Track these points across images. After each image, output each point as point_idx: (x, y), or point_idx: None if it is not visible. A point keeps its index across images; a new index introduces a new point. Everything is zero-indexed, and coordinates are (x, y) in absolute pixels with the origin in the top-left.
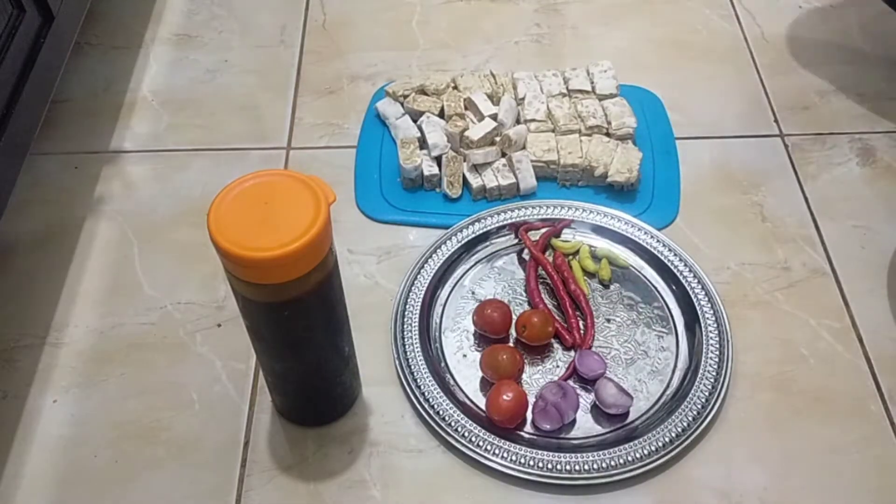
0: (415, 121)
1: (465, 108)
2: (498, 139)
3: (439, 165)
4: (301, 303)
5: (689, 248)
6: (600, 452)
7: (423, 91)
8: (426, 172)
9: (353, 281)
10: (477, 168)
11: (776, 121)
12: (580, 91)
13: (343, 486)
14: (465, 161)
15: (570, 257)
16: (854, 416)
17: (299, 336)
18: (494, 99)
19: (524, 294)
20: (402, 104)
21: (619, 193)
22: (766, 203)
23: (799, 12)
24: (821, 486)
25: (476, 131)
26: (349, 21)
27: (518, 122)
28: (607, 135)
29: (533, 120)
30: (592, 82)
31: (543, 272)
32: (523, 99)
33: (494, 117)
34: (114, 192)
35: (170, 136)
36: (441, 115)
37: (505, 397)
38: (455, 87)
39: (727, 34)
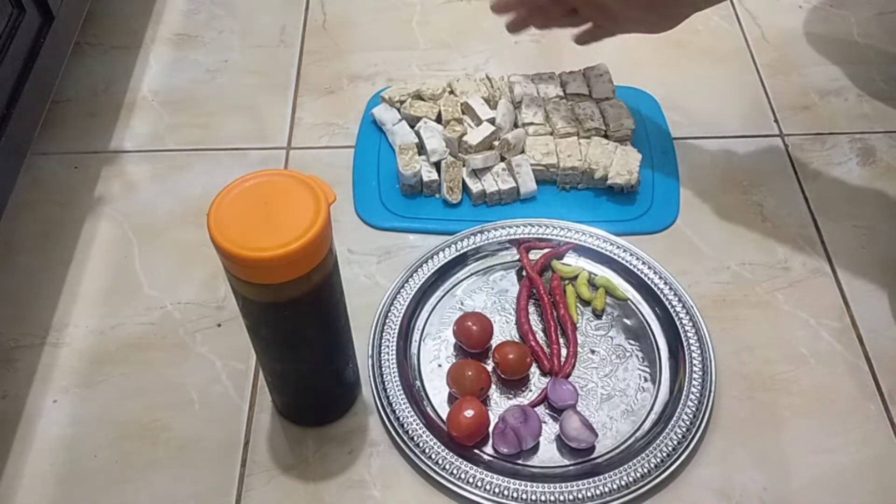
0: (412, 126)
1: (463, 113)
2: (496, 143)
3: (438, 171)
4: (301, 303)
5: (689, 248)
6: (560, 484)
7: (419, 96)
8: (425, 178)
9: (353, 281)
10: (476, 173)
11: (776, 121)
12: (577, 95)
13: (343, 486)
14: (464, 166)
15: (568, 282)
16: (854, 416)
17: (299, 336)
18: (491, 103)
19: (513, 312)
20: (398, 110)
21: (620, 195)
22: (766, 203)
23: (799, 12)
24: (821, 486)
25: (474, 136)
26: (349, 21)
27: (516, 125)
28: (606, 137)
29: (531, 123)
30: (589, 86)
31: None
32: (520, 102)
33: (492, 121)
34: (114, 192)
35: (170, 136)
36: (438, 119)
37: (465, 414)
38: (451, 92)
39: (727, 34)
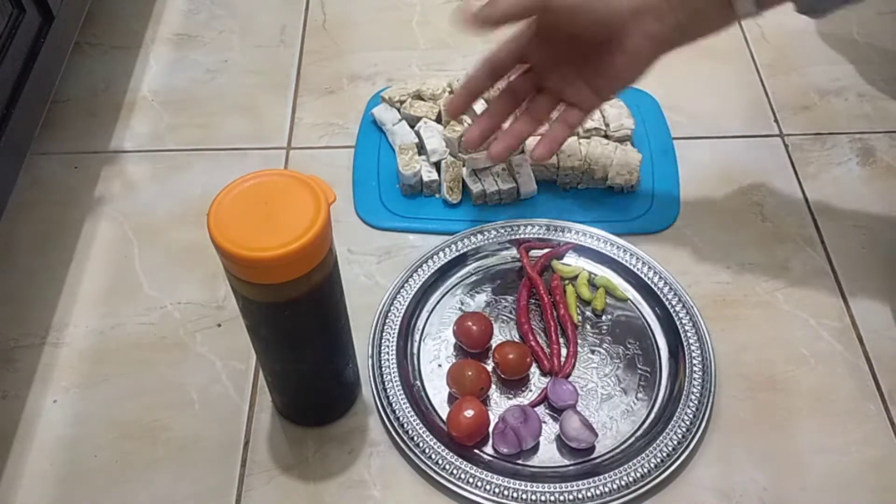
0: (412, 126)
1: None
2: None
3: (438, 171)
4: (301, 303)
5: (689, 248)
6: (560, 484)
7: (419, 96)
8: (425, 178)
9: (353, 281)
10: (476, 173)
11: (776, 121)
12: None
13: (343, 486)
14: (464, 166)
15: (568, 282)
16: (854, 416)
17: (299, 336)
18: None
19: (514, 313)
20: (398, 110)
21: (620, 195)
22: (766, 203)
23: None
24: (821, 486)
25: None
26: (349, 21)
27: None
28: (606, 137)
29: None
30: None
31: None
32: None
33: None
34: (114, 192)
35: (170, 136)
36: (438, 119)
37: (466, 414)
38: (451, 92)
39: (727, 34)
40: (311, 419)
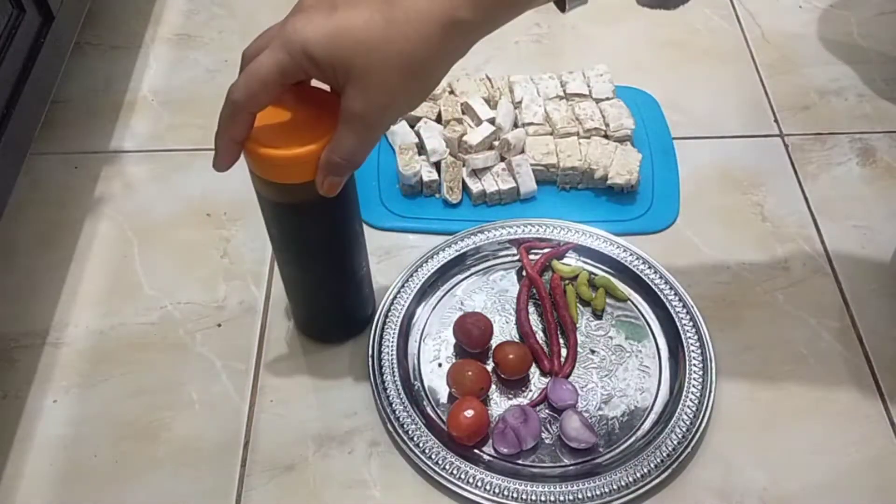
0: (412, 126)
1: (463, 113)
2: (496, 143)
3: (438, 171)
4: (318, 204)
5: (689, 248)
6: (560, 484)
7: None
8: (425, 178)
9: None
10: (476, 173)
11: (776, 121)
12: (577, 95)
13: (343, 486)
14: (464, 166)
15: (568, 282)
16: (854, 416)
17: (315, 238)
18: (491, 103)
19: (513, 312)
20: None
21: (620, 195)
22: (766, 203)
23: (799, 12)
24: (821, 486)
25: (474, 136)
26: None
27: (516, 125)
28: (606, 137)
29: (531, 123)
30: (589, 86)
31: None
32: (520, 102)
33: (492, 121)
34: (114, 192)
35: (170, 136)
36: (438, 119)
37: (466, 414)
38: (451, 92)
39: (727, 34)
40: (328, 331)
